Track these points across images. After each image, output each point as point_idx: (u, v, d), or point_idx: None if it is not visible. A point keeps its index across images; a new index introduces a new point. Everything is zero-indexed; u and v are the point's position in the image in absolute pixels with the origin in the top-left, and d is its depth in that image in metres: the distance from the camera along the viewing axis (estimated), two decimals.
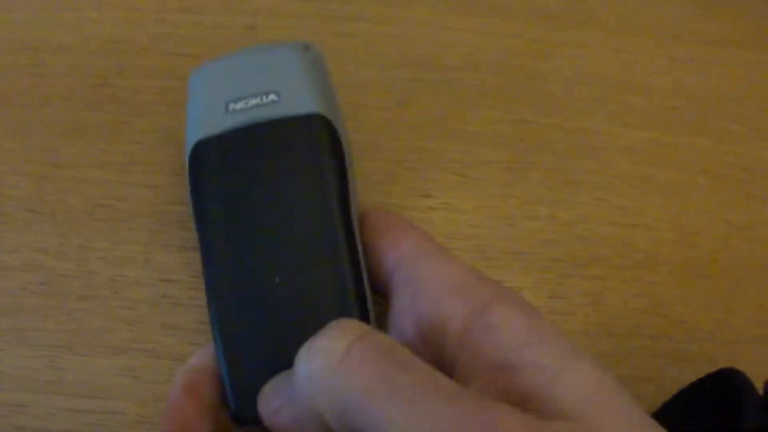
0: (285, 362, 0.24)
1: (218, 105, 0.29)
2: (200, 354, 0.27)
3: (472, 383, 0.23)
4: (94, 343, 0.32)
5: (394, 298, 0.26)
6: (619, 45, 0.39)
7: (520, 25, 0.39)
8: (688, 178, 0.37)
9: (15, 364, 0.32)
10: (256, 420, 0.25)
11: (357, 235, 0.28)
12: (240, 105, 0.28)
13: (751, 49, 0.40)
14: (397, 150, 0.36)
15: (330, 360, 0.22)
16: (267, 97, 0.28)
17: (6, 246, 0.33)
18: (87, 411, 0.31)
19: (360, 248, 0.27)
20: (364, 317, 0.26)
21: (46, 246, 0.33)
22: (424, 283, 0.25)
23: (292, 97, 0.28)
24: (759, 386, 0.28)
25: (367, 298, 0.27)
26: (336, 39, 0.38)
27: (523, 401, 0.22)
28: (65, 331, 0.32)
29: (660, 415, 0.32)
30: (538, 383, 0.22)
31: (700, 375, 0.31)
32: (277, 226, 0.27)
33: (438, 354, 0.24)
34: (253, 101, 0.28)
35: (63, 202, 0.34)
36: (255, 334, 0.26)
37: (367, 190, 0.35)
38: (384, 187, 0.35)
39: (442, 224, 0.35)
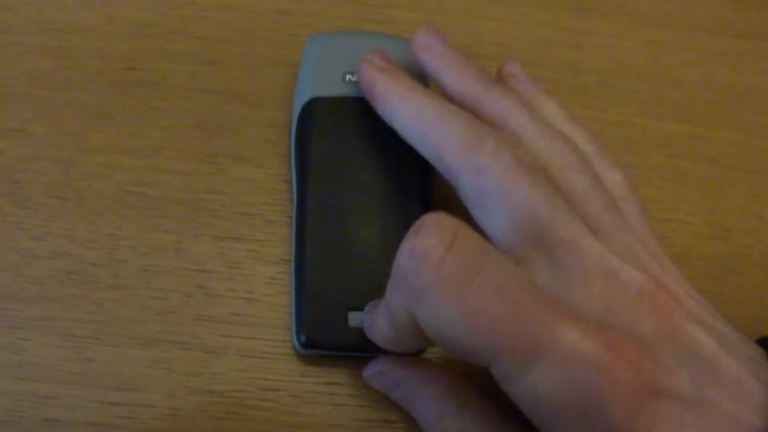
0: (358, 302, 0.28)
1: (336, 72, 0.31)
2: None
3: None
4: (123, 334, 0.29)
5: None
6: (651, 36, 0.37)
7: (551, 14, 0.37)
8: (721, 172, 0.35)
9: (42, 354, 0.29)
10: (321, 346, 0.28)
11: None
12: (356, 78, 0.30)
13: None
14: None
15: (434, 257, 0.21)
16: None
17: (32, 233, 0.30)
18: (117, 403, 0.29)
19: None
20: None
21: (73, 233, 0.31)
22: None
23: None
24: None
25: None
26: (369, 25, 0.35)
27: None
28: (94, 321, 0.29)
29: None
30: None
31: None
32: (369, 188, 0.29)
33: None
34: None
35: (91, 189, 0.31)
36: (335, 276, 0.28)
37: None
38: None
39: None
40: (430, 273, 0.21)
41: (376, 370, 0.28)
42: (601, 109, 0.35)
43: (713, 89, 0.36)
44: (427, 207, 0.30)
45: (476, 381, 0.27)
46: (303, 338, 0.28)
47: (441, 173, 0.26)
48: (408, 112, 0.27)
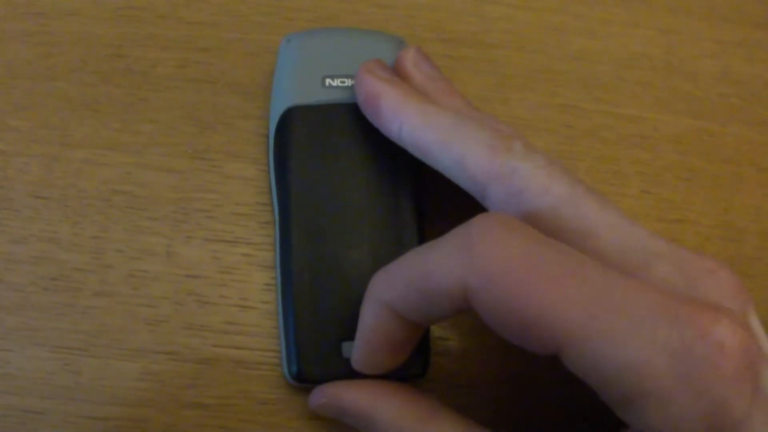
0: (351, 331, 0.24)
1: (315, 77, 0.27)
2: None
3: None
4: (111, 345, 0.26)
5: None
6: (666, 25, 0.33)
7: (564, 0, 0.33)
8: (735, 171, 0.31)
9: (26, 366, 0.26)
10: (314, 380, 0.25)
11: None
12: (336, 82, 0.27)
13: None
14: None
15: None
16: None
17: (13, 236, 0.27)
18: (106, 418, 0.26)
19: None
20: None
21: (57, 236, 0.27)
22: None
23: None
24: None
25: None
26: (372, 9, 0.31)
27: None
28: (80, 332, 0.26)
29: None
30: None
31: None
32: (357, 206, 0.26)
33: None
34: (350, 81, 0.27)
35: (75, 187, 0.28)
36: (325, 304, 0.25)
37: None
38: None
39: None
40: (501, 244, 0.19)
41: (320, 402, 0.25)
42: (613, 103, 0.31)
43: (729, 82, 0.33)
44: (419, 224, 0.26)
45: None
46: (294, 373, 0.25)
47: (463, 185, 0.23)
48: (422, 124, 0.24)
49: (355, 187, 0.26)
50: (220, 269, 0.28)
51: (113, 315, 0.27)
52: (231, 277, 0.28)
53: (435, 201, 0.27)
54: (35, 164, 0.28)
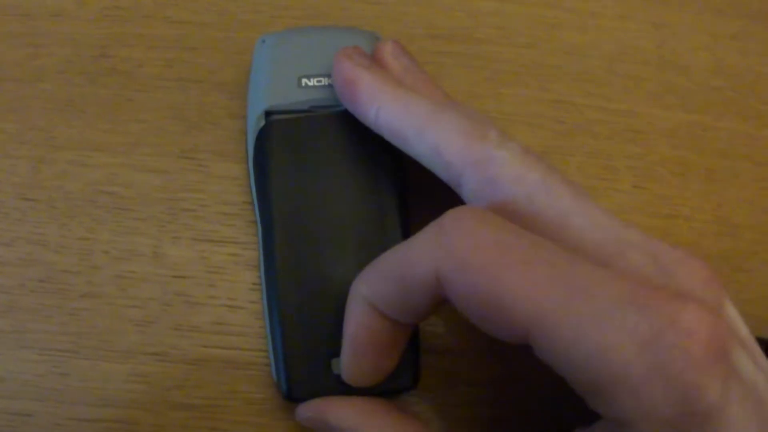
0: (340, 348, 0.23)
1: (291, 77, 0.26)
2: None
3: None
4: (100, 347, 0.26)
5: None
6: (658, 18, 0.33)
7: None
8: (729, 165, 0.31)
9: (15, 369, 0.26)
10: (305, 398, 0.25)
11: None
12: (313, 82, 0.26)
13: None
14: None
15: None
16: None
17: (1, 238, 0.27)
18: (96, 420, 0.26)
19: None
20: None
21: (44, 238, 0.27)
22: None
23: None
24: None
25: None
26: (361, 6, 0.31)
27: None
28: (68, 333, 0.26)
29: None
30: None
31: None
32: (340, 215, 0.25)
33: None
34: (326, 80, 0.26)
35: (62, 189, 0.28)
36: (313, 321, 0.25)
37: None
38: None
39: None
40: (472, 232, 0.19)
41: (306, 417, 0.25)
42: (606, 97, 0.31)
43: (723, 76, 0.32)
44: (405, 233, 0.26)
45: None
46: (285, 391, 0.25)
47: (438, 173, 0.23)
48: (399, 110, 0.23)
49: (338, 199, 0.25)
50: (207, 269, 0.27)
51: (101, 316, 0.27)
52: (219, 277, 0.27)
53: (420, 208, 0.27)
54: (22, 166, 0.28)
